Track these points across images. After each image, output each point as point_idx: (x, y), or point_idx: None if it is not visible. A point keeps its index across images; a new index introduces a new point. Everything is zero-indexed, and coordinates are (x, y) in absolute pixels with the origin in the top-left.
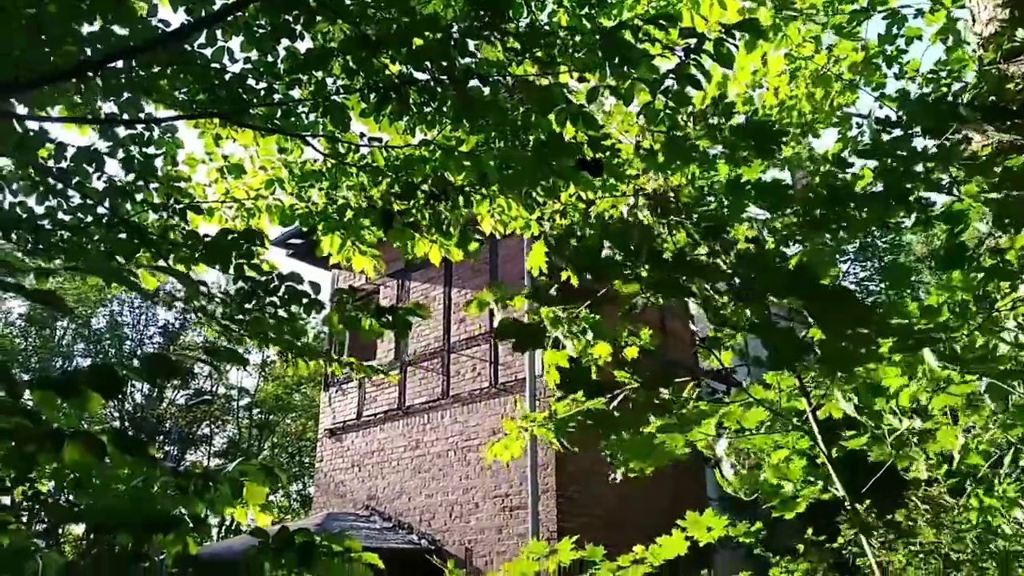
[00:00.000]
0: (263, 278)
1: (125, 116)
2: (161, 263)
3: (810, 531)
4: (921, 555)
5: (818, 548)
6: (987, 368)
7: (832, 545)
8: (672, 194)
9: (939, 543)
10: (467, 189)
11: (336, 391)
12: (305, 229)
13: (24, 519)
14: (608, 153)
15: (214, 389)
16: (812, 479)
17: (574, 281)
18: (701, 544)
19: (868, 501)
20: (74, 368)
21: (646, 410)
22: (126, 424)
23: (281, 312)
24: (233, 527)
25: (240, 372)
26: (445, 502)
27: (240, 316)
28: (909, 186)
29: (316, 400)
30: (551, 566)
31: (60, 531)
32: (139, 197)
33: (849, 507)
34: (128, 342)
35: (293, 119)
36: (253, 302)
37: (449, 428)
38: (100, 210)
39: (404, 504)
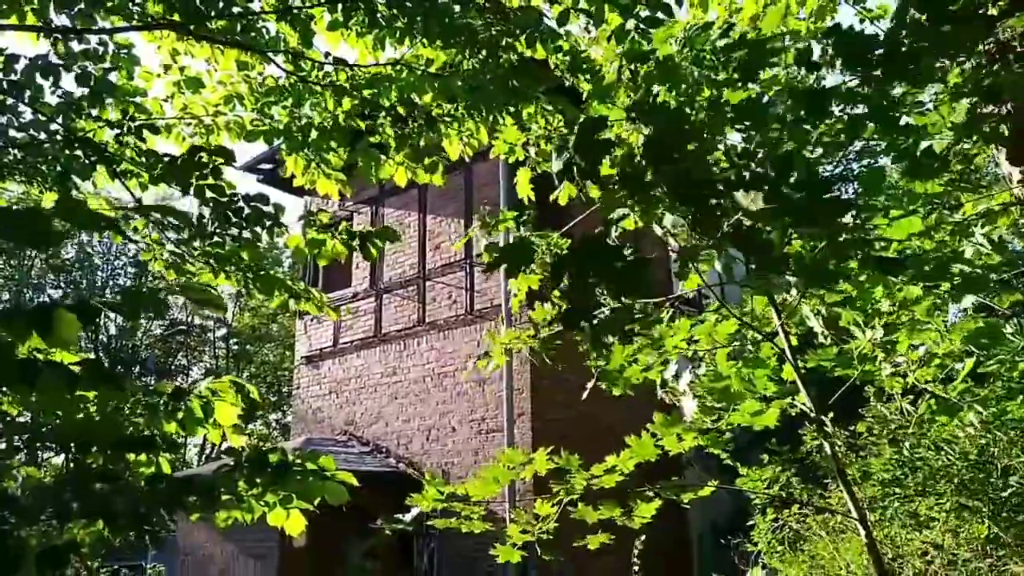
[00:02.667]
0: (225, 199)
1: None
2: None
3: (774, 440)
4: (881, 465)
5: (782, 456)
6: (949, 278)
7: (795, 455)
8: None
9: (897, 452)
10: (435, 111)
11: (311, 318)
12: (268, 146)
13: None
14: (590, 76)
15: (189, 320)
16: (777, 395)
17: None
18: (671, 454)
19: (831, 414)
20: (50, 301)
21: (619, 321)
22: (101, 356)
23: (246, 234)
24: (214, 455)
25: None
26: (422, 426)
27: (198, 243)
28: (886, 103)
29: (293, 330)
30: (527, 475)
31: (37, 456)
32: (94, 113)
33: (815, 419)
34: (99, 273)
35: (253, 34)
36: (215, 225)
37: (425, 355)
38: (53, 127)
39: (382, 429)
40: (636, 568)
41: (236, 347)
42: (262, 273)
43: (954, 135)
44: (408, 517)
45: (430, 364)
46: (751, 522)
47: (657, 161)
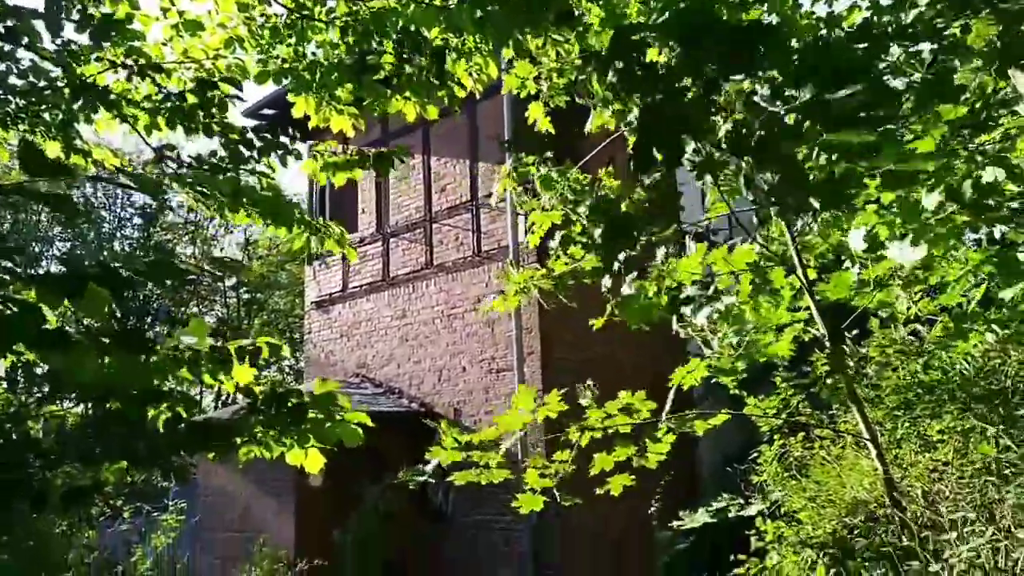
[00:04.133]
0: (235, 133)
1: None
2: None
3: (781, 369)
4: (893, 385)
5: (791, 381)
6: (982, 213)
7: (805, 379)
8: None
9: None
10: (442, 45)
11: (320, 264)
12: (277, 85)
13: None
14: (602, 2)
15: (200, 267)
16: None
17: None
18: (685, 388)
19: (843, 338)
20: (66, 257)
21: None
22: (112, 306)
23: (260, 167)
24: (230, 400)
25: (225, 251)
26: (433, 367)
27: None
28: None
29: (302, 277)
30: (540, 416)
31: (57, 404)
32: (93, 57)
33: (829, 344)
34: (105, 225)
35: None
36: (227, 161)
37: (434, 297)
38: (54, 73)
39: (393, 370)
40: (657, 501)
41: (247, 295)
42: (280, 205)
43: (982, 62)
44: (429, 468)
45: (439, 306)
46: (757, 452)
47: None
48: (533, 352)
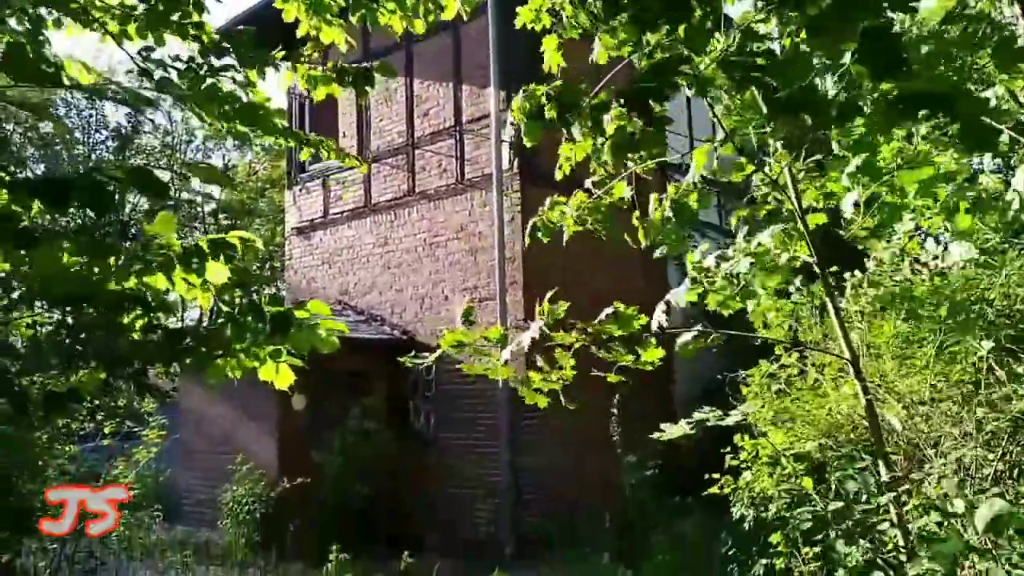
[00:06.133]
0: (209, 39)
1: None
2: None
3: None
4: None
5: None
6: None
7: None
8: None
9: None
10: None
11: (300, 189)
12: None
13: None
14: None
15: (178, 194)
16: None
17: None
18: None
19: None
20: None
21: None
22: (87, 226)
23: (239, 77)
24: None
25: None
26: (415, 295)
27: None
28: None
29: (282, 204)
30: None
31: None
32: None
33: (820, 271)
34: (80, 146)
35: None
36: (205, 69)
37: (417, 224)
38: None
39: (376, 298)
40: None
41: (226, 222)
42: (261, 113)
43: None
44: (432, 357)
45: (422, 234)
46: (736, 374)
47: None
48: (516, 282)
